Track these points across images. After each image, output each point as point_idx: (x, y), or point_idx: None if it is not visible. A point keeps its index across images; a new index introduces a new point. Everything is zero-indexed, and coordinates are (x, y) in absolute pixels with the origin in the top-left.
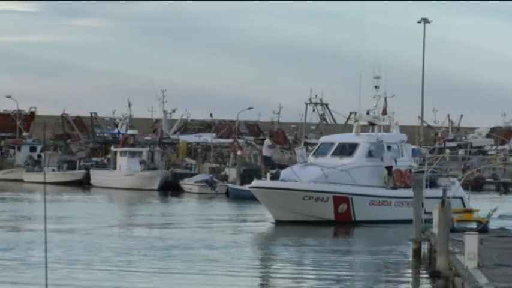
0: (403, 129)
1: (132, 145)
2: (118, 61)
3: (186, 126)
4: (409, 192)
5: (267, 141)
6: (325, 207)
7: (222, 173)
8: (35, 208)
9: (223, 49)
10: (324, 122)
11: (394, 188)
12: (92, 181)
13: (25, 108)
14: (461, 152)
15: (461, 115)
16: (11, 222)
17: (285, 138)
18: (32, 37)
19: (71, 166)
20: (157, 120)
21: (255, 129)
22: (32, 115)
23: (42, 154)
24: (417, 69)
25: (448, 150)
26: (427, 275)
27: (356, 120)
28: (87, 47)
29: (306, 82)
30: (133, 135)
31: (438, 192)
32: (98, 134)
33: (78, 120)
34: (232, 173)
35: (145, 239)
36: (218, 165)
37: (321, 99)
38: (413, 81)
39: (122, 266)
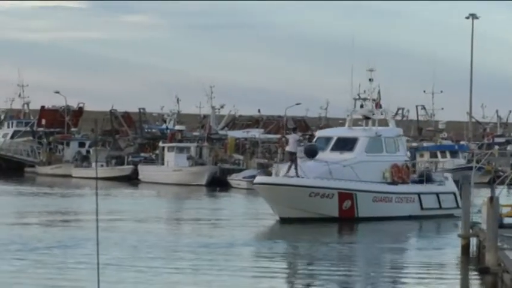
0: (452, 124)
1: (180, 141)
2: (167, 57)
3: (234, 122)
4: (408, 188)
5: (295, 136)
6: (330, 204)
7: (270, 169)
8: (84, 203)
9: (271, 45)
10: None
11: (394, 183)
12: (140, 176)
13: (73, 104)
14: (509, 147)
15: (510, 111)
16: (61, 218)
17: None
18: (81, 33)
19: (119, 162)
20: (205, 116)
21: (303, 125)
22: (80, 111)
23: (91, 149)
24: (465, 65)
25: (496, 146)
26: (476, 271)
27: (349, 114)
28: (136, 43)
29: (355, 77)
30: (181, 131)
31: (434, 188)
32: (146, 130)
33: (127, 115)
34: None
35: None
36: (266, 161)
37: (369, 95)
38: (461, 77)
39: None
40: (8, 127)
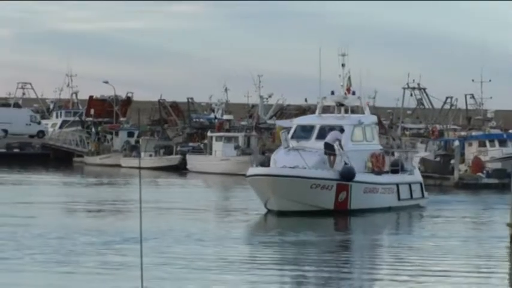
0: (501, 113)
1: (228, 130)
2: (215, 46)
3: (282, 111)
4: (389, 179)
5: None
6: (328, 196)
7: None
8: (132, 193)
9: (320, 34)
10: (422, 107)
11: (377, 173)
12: (188, 166)
13: (122, 94)
14: None
15: None
16: (108, 208)
17: (380, 123)
18: (130, 23)
19: (168, 151)
20: (253, 106)
21: None
22: (129, 100)
23: (140, 139)
24: None
25: None
26: None
27: (319, 101)
28: (185, 32)
29: (404, 67)
30: (229, 121)
31: (407, 178)
32: (194, 119)
33: (175, 105)
34: None
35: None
36: None
37: (418, 84)
38: (510, 65)
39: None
40: (57, 117)
